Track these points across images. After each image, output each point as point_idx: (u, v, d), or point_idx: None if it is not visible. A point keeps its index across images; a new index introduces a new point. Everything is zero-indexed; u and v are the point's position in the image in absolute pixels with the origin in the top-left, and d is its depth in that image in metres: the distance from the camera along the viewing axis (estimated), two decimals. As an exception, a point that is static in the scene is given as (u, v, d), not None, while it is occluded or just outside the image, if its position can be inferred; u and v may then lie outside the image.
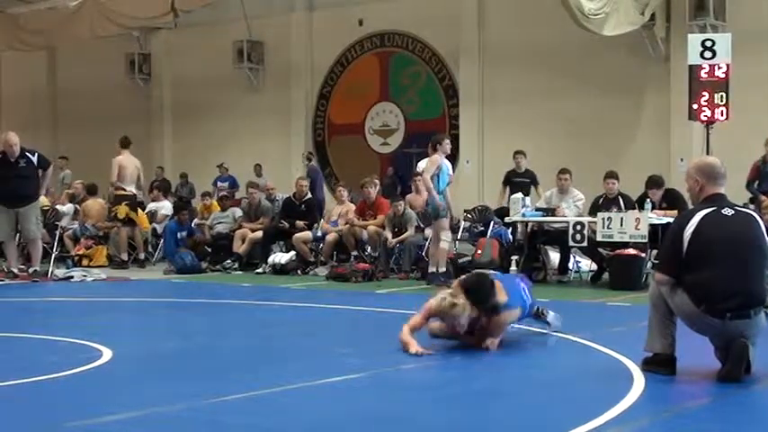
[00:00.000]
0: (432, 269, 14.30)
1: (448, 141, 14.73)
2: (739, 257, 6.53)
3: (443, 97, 24.86)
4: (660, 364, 6.73)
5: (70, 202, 20.91)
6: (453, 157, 22.54)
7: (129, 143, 18.76)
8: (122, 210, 18.17)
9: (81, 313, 11.67)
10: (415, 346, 7.58)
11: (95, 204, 19.77)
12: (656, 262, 6.93)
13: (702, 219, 6.60)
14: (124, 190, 18.17)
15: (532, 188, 17.63)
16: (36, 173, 15.40)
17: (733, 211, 6.70)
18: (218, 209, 18.97)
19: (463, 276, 8.14)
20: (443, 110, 24.80)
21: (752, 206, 14.93)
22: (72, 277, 15.59)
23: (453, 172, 19.71)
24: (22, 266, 15.91)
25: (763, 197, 14.67)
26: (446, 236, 14.42)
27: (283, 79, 26.88)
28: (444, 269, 14.21)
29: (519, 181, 17.71)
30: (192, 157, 27.59)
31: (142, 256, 18.41)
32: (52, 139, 30.92)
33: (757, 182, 15.78)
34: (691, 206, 7.10)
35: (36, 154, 15.52)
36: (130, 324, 10.59)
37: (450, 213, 14.76)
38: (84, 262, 18.10)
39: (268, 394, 6.28)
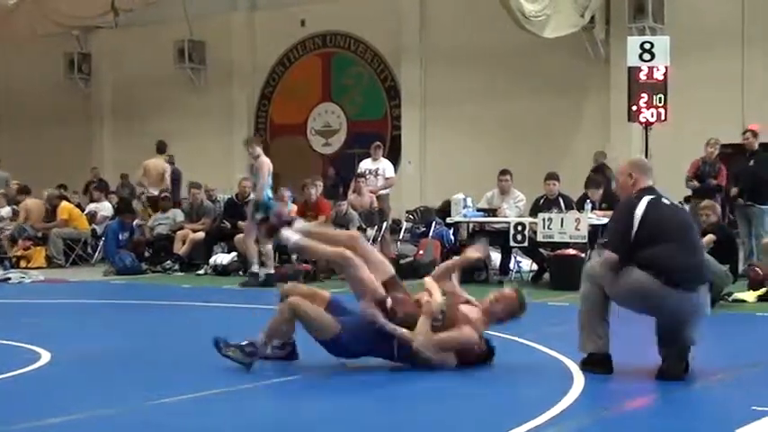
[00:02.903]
0: None
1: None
2: (689, 239, 6.87)
3: (385, 98, 24.88)
4: (596, 364, 6.82)
5: (7, 203, 20.61)
6: (395, 158, 22.70)
7: (163, 148, 19.78)
8: (65, 209, 18.62)
9: (18, 315, 11.49)
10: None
11: (35, 205, 19.53)
12: (604, 241, 7.15)
13: (649, 202, 6.82)
14: (147, 191, 19.06)
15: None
16: None
17: (669, 202, 7.07)
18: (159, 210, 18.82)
19: None
20: (385, 111, 24.83)
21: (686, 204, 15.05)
22: (9, 279, 15.39)
23: (396, 173, 19.92)
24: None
25: (707, 200, 14.75)
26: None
27: (225, 79, 26.74)
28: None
29: None
30: (133, 157, 27.20)
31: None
32: (-11, 138, 30.49)
33: (694, 180, 15.97)
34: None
35: None
36: (69, 326, 10.47)
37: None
38: (23, 263, 17.88)
39: (208, 396, 6.26)
